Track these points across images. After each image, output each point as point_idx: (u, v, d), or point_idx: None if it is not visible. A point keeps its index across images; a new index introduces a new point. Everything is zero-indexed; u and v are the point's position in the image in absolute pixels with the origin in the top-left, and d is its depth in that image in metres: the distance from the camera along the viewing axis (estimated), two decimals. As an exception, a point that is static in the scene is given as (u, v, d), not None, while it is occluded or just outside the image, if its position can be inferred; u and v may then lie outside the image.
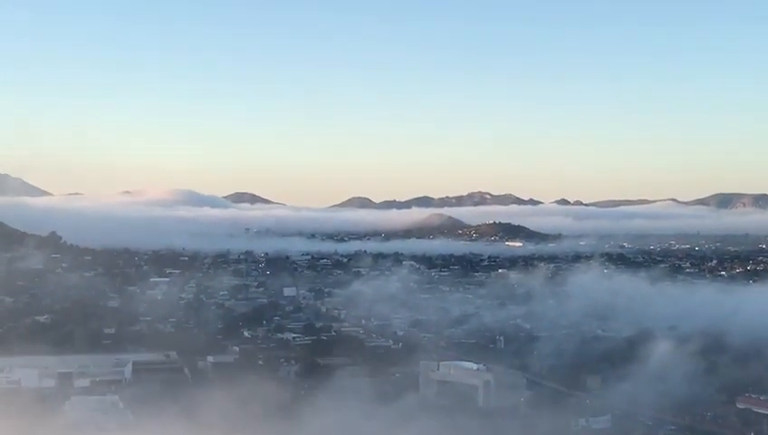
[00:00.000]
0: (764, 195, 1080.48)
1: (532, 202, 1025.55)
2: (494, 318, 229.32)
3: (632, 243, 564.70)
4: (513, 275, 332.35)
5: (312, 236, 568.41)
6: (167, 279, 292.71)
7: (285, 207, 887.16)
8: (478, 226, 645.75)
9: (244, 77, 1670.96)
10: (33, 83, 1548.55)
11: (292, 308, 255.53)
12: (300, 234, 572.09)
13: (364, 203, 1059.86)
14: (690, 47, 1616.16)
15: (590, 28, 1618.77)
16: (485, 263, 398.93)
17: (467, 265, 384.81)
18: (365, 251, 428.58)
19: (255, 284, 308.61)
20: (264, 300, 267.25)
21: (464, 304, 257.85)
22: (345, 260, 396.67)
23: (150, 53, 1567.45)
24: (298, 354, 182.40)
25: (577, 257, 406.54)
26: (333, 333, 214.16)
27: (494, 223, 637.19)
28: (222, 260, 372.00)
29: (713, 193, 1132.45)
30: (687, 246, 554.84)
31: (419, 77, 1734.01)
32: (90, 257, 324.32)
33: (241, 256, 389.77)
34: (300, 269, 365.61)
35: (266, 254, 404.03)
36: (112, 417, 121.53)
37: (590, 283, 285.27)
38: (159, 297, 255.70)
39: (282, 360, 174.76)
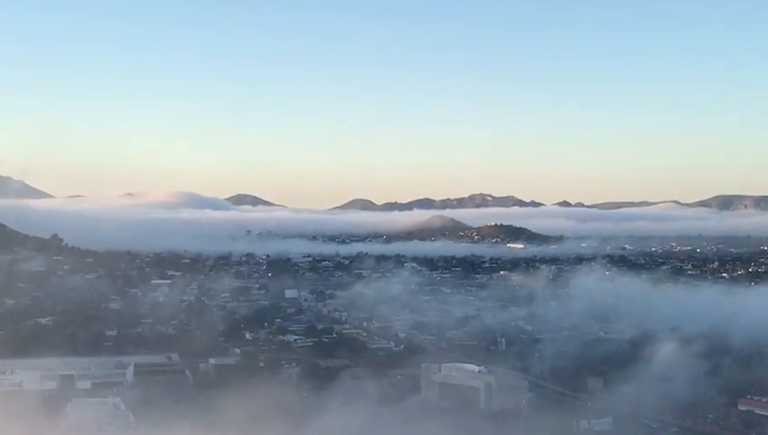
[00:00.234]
0: (766, 196, 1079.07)
1: (534, 204, 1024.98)
2: (496, 320, 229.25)
3: (634, 245, 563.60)
4: (515, 277, 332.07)
5: (314, 237, 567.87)
6: (168, 281, 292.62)
7: (287, 209, 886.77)
8: (480, 227, 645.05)
9: (245, 79, 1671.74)
10: (33, 85, 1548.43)
11: (293, 310, 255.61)
12: (301, 236, 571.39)
13: (365, 205, 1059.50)
14: (691, 49, 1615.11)
15: (591, 30, 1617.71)
16: (487, 265, 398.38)
17: (469, 267, 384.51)
18: (366, 253, 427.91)
19: (257, 286, 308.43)
20: (266, 302, 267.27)
21: (465, 306, 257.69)
22: (347, 262, 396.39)
23: (152, 55, 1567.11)
24: (300, 356, 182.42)
25: (578, 259, 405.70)
26: (335, 335, 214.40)
27: (496, 225, 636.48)
28: (223, 262, 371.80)
29: (714, 195, 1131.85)
30: (689, 247, 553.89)
31: (421, 79, 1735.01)
32: (91, 259, 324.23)
33: (242, 258, 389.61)
34: (301, 271, 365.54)
35: (268, 256, 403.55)
36: (114, 419, 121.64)
37: (592, 285, 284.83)
38: (161, 299, 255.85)
39: (283, 362, 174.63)
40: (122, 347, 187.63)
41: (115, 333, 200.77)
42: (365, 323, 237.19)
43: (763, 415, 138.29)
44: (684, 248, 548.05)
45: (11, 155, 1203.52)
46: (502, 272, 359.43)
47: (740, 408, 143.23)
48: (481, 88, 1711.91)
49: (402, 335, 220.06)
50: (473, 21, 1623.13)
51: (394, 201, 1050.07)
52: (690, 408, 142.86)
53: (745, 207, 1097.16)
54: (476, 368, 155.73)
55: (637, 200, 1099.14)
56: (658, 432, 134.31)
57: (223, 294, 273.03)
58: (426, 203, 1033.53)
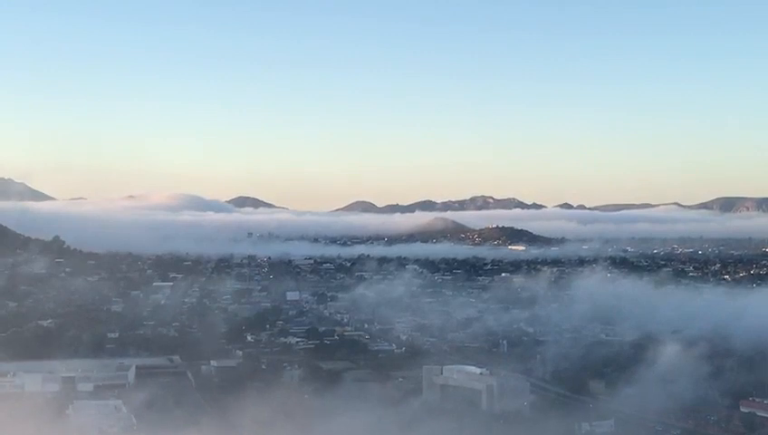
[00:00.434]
0: (767, 199, 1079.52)
1: (536, 206, 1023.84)
2: (498, 322, 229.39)
3: (635, 247, 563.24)
4: (517, 279, 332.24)
5: (316, 240, 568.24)
6: (170, 283, 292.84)
7: (288, 212, 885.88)
8: (481, 230, 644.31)
9: (246, 81, 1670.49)
10: (35, 87, 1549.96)
11: (295, 312, 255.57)
12: (303, 238, 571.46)
13: (367, 207, 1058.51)
14: (693, 51, 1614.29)
15: (592, 32, 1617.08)
16: (489, 267, 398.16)
17: (470, 269, 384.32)
18: (368, 255, 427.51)
19: (258, 288, 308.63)
20: (268, 304, 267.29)
21: (467, 308, 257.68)
22: (348, 264, 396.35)
23: (153, 57, 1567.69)
24: (301, 358, 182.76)
25: (580, 261, 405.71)
26: (336, 338, 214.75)
27: (498, 227, 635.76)
28: (225, 264, 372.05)
29: (716, 197, 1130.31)
30: (691, 249, 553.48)
31: (422, 81, 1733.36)
32: (93, 262, 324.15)
33: (244, 261, 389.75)
34: (303, 273, 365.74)
35: (269, 258, 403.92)
36: (116, 421, 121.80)
37: (594, 287, 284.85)
38: (163, 302, 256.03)
39: (285, 364, 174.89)
40: (124, 349, 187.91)
41: (117, 335, 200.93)
42: (366, 326, 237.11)
43: (764, 417, 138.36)
44: (685, 250, 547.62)
45: (13, 157, 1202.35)
46: (503, 274, 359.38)
47: (742, 410, 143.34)
48: (482, 90, 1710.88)
49: (404, 337, 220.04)
50: (474, 22, 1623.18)
51: (395, 203, 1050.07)
52: (692, 410, 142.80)
53: (747, 209, 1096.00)
54: (478, 370, 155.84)
55: (638, 202, 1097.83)
56: (660, 434, 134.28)
57: (224, 297, 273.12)
58: (427, 205, 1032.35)
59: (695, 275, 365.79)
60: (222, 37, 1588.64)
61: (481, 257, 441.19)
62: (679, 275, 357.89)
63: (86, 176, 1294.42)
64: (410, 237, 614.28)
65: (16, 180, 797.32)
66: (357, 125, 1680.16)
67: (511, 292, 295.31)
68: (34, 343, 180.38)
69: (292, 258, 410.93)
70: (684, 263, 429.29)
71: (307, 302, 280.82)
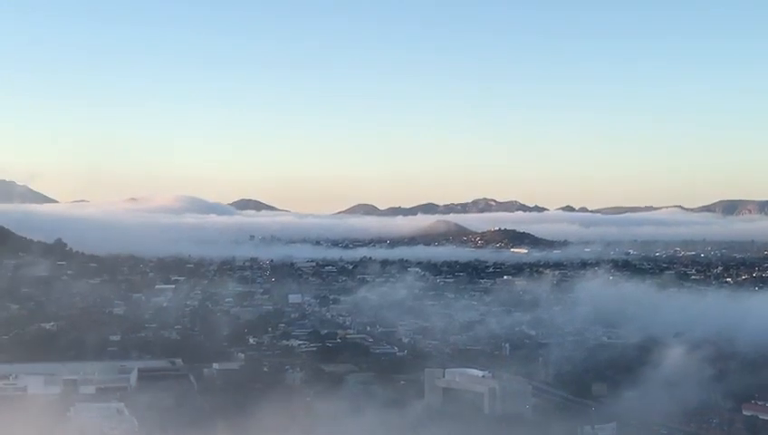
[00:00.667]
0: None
1: (538, 209, 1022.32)
2: (500, 325, 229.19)
3: (638, 250, 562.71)
4: (519, 282, 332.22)
5: (318, 242, 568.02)
6: (172, 286, 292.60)
7: (290, 214, 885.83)
8: (483, 232, 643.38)
9: (249, 83, 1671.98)
10: (36, 88, 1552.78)
11: (297, 315, 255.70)
12: (305, 241, 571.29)
13: (369, 210, 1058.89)
14: (696, 53, 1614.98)
15: (594, 35, 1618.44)
16: (491, 269, 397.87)
17: (473, 272, 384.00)
18: (370, 258, 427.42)
19: (261, 290, 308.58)
20: (270, 307, 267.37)
21: (469, 311, 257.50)
22: (350, 267, 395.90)
23: (156, 59, 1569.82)
24: (303, 361, 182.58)
25: (582, 264, 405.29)
26: (339, 340, 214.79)
27: (500, 230, 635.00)
28: (227, 267, 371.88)
29: (719, 200, 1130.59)
30: (693, 252, 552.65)
31: (424, 83, 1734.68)
32: (95, 264, 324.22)
33: (246, 263, 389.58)
34: (305, 276, 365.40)
35: (271, 260, 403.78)
36: (117, 424, 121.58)
37: (596, 290, 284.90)
38: (165, 304, 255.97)
39: (287, 367, 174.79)
40: (126, 352, 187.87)
41: (119, 337, 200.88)
42: (369, 328, 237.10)
43: (767, 420, 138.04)
44: (688, 253, 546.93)
45: (15, 160, 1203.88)
46: (505, 277, 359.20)
47: (744, 413, 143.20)
48: (484, 92, 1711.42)
49: (406, 340, 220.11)
50: (476, 25, 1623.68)
51: (398, 206, 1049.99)
52: (694, 413, 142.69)
53: (750, 211, 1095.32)
54: (480, 373, 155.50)
55: (641, 205, 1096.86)
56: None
57: (227, 299, 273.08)
58: (429, 208, 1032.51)
59: (697, 277, 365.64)
60: (224, 40, 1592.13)
61: (483, 260, 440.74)
62: (682, 277, 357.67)
63: (88, 178, 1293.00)
64: (412, 240, 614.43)
65: (18, 183, 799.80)
66: (359, 128, 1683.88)
67: (513, 295, 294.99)
68: (36, 345, 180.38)
69: (294, 261, 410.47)
70: (686, 266, 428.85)
71: (309, 305, 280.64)
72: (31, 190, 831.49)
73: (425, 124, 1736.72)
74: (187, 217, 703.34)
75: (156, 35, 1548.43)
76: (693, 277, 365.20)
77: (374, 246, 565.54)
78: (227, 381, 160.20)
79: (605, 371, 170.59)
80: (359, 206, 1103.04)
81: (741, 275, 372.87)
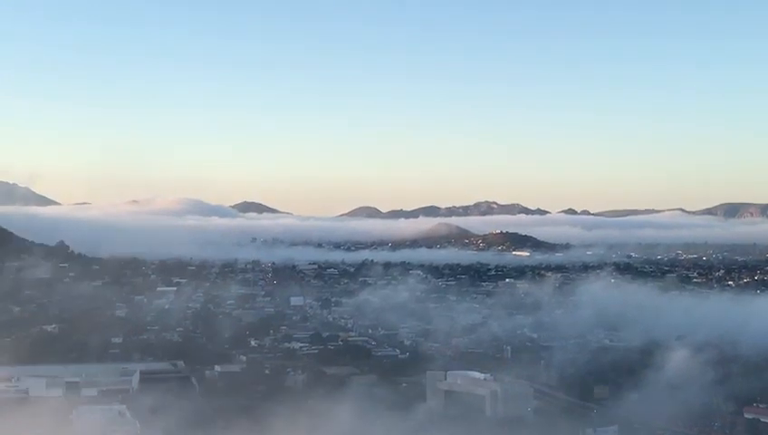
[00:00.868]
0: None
1: (540, 211, 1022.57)
2: (502, 328, 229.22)
3: (640, 253, 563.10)
4: (521, 285, 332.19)
5: (320, 245, 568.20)
6: (174, 288, 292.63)
7: (292, 217, 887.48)
8: (485, 235, 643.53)
9: (251, 85, 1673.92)
10: (38, 91, 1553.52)
11: (299, 317, 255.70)
12: (307, 243, 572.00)
13: (371, 212, 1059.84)
14: (698, 56, 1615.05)
15: (596, 37, 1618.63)
16: (493, 272, 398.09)
17: (475, 275, 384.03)
18: (372, 260, 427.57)
19: (263, 293, 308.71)
20: (272, 309, 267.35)
21: (471, 314, 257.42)
22: (352, 269, 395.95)
23: (158, 61, 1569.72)
24: (305, 364, 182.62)
25: (584, 267, 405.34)
26: (340, 343, 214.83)
27: (502, 232, 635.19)
28: (229, 269, 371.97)
29: (720, 203, 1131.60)
30: (695, 255, 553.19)
31: (426, 86, 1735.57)
32: (97, 267, 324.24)
33: (248, 266, 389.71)
34: (307, 278, 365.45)
35: (273, 263, 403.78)
36: (119, 426, 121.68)
37: (598, 293, 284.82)
38: (167, 306, 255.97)
39: (289, 369, 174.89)
40: (128, 354, 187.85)
41: (121, 340, 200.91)
42: (371, 331, 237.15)
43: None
44: (690, 256, 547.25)
45: (17, 161, 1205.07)
46: (507, 280, 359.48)
47: (745, 416, 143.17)
48: (486, 95, 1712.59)
49: (408, 343, 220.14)
50: (478, 27, 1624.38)
51: (400, 209, 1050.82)
52: (696, 416, 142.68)
53: (751, 214, 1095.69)
54: (482, 376, 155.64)
55: (642, 208, 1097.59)
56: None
57: (228, 302, 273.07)
58: (431, 210, 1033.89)
59: (699, 280, 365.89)
60: (226, 42, 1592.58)
61: (485, 263, 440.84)
62: (684, 280, 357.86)
63: (90, 180, 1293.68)
64: (414, 243, 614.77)
65: (20, 185, 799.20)
66: (361, 130, 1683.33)
67: (515, 297, 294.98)
68: (39, 347, 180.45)
69: (296, 263, 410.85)
70: (688, 269, 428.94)
71: (311, 307, 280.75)
72: (33, 192, 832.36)
73: (427, 127, 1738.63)
74: (189, 219, 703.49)
75: (159, 37, 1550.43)
76: (694, 280, 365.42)
77: (376, 248, 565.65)
78: (229, 383, 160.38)
79: (607, 374, 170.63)
80: (361, 208, 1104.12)
81: (742, 279, 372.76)
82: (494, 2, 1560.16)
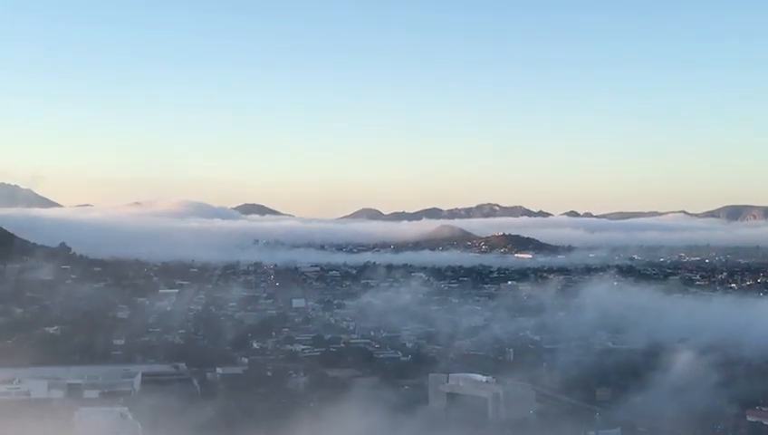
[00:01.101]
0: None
1: (542, 214, 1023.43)
2: (504, 330, 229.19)
3: (642, 255, 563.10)
4: (523, 287, 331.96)
5: (322, 247, 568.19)
6: (176, 290, 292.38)
7: (295, 219, 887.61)
8: (488, 237, 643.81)
9: (252, 88, 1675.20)
10: (40, 92, 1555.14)
11: (301, 320, 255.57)
12: (309, 245, 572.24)
13: (373, 215, 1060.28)
14: (701, 58, 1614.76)
15: (599, 39, 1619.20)
16: (495, 275, 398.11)
17: (477, 277, 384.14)
18: (374, 263, 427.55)
19: (265, 295, 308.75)
20: (274, 311, 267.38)
21: (473, 316, 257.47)
22: (354, 272, 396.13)
23: (160, 63, 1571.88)
24: (307, 366, 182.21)
25: (587, 269, 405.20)
26: (342, 345, 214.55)
27: (504, 235, 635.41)
28: (231, 271, 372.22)
29: (723, 205, 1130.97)
30: (698, 258, 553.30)
31: (428, 88, 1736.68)
32: (99, 269, 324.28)
33: (250, 268, 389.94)
34: (309, 280, 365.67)
35: (276, 265, 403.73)
36: (121, 428, 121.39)
37: (600, 295, 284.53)
38: (169, 308, 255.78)
39: (291, 371, 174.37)
40: (130, 356, 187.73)
41: (123, 342, 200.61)
42: (373, 333, 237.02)
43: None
44: (692, 259, 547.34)
45: (19, 163, 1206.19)
46: (510, 282, 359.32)
47: (748, 419, 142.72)
48: (488, 97, 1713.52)
49: (410, 345, 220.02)
50: (480, 29, 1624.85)
51: (402, 211, 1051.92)
52: (698, 419, 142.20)
53: (754, 217, 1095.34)
54: (484, 378, 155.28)
55: (645, 210, 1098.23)
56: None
57: (230, 304, 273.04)
58: (434, 213, 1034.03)
59: (702, 283, 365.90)
60: (229, 43, 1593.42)
61: (487, 265, 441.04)
62: (686, 283, 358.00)
63: (93, 182, 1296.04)
64: (417, 245, 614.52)
65: (22, 186, 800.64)
66: (363, 132, 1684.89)
67: (517, 300, 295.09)
68: (40, 349, 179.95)
69: (298, 265, 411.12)
70: (691, 271, 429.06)
71: (313, 309, 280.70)
72: (35, 194, 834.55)
73: (429, 129, 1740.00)
74: (192, 221, 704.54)
75: (160, 37, 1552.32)
76: (697, 283, 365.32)
77: (378, 250, 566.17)
78: (231, 385, 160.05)
79: (609, 376, 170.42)
80: (363, 210, 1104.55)
81: (745, 281, 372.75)
82: (498, 5, 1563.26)
